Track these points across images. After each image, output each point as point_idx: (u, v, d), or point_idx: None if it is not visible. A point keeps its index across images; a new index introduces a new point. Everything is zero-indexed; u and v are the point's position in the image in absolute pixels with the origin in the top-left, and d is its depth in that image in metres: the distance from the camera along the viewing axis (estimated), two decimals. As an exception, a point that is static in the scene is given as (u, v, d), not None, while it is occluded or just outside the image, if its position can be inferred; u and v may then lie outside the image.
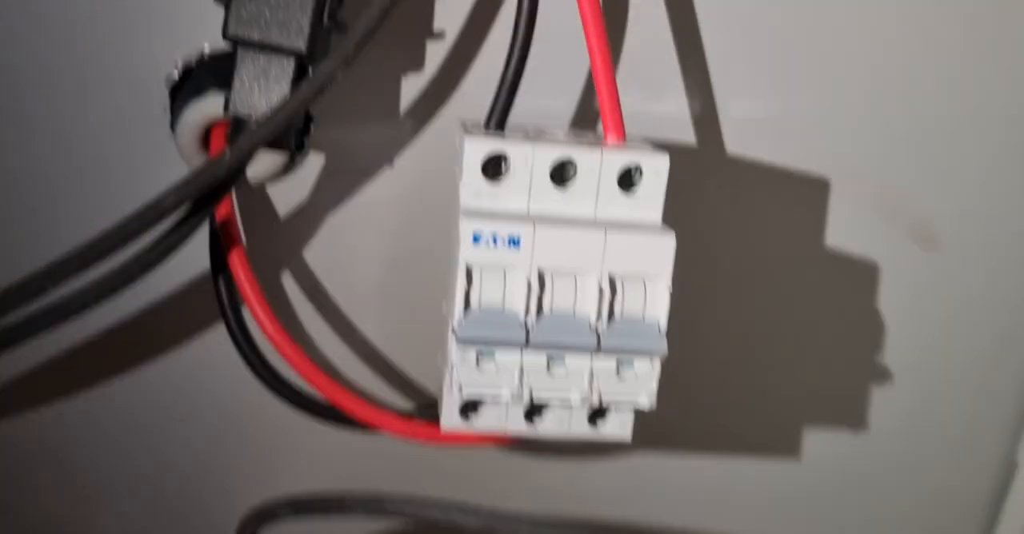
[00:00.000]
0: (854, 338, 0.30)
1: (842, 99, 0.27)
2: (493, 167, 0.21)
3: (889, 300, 0.29)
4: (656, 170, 0.21)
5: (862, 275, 0.29)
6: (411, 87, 0.26)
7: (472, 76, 0.26)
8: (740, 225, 0.28)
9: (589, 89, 0.26)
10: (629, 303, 0.21)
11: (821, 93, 0.27)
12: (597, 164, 0.21)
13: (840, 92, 0.27)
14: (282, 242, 0.27)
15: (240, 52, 0.22)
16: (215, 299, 0.24)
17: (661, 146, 0.21)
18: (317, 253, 0.27)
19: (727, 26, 0.26)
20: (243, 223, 0.26)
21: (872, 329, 0.29)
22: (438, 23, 0.25)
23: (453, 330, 0.21)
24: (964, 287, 0.29)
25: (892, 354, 0.30)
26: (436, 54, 0.25)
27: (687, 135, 0.27)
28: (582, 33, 0.21)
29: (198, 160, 0.24)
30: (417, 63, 0.25)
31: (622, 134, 0.22)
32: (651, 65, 0.26)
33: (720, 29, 0.26)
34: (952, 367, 0.30)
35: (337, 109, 0.25)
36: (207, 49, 0.24)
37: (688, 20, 0.26)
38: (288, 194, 0.26)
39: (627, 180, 0.21)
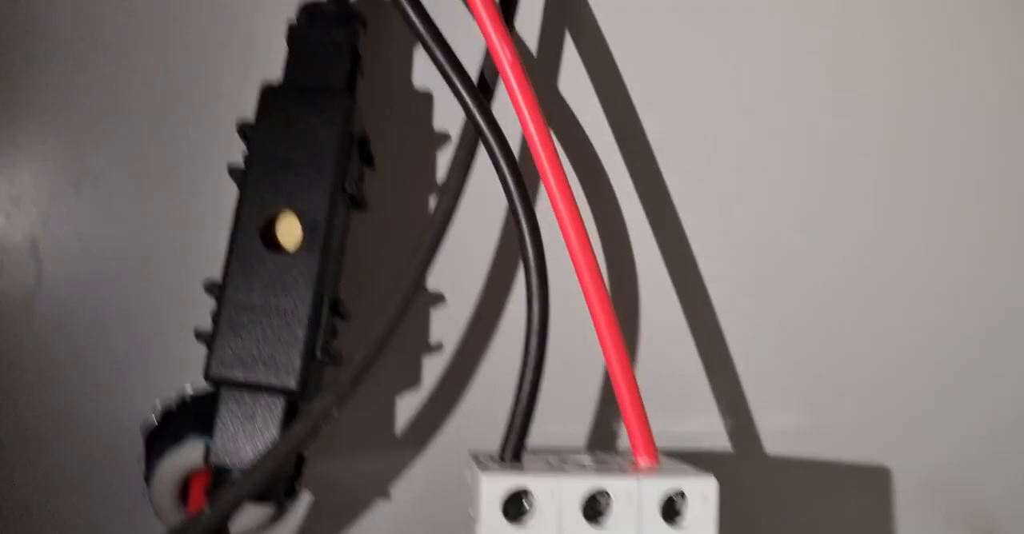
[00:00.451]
0: None
1: (884, 402, 0.25)
2: (515, 506, 0.18)
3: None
4: (703, 495, 0.18)
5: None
6: (407, 407, 0.24)
7: (474, 391, 0.24)
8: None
9: (604, 409, 0.24)
10: None
11: (860, 401, 0.25)
12: (635, 493, 0.18)
13: (881, 396, 0.25)
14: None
15: (223, 394, 0.20)
16: None
17: (696, 455, 0.19)
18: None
19: (756, 338, 0.24)
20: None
21: None
22: (434, 336, 0.24)
23: None
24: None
25: None
26: (433, 369, 0.24)
27: (721, 444, 0.24)
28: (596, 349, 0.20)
29: (175, 516, 0.21)
30: (412, 381, 0.24)
31: (654, 455, 0.20)
32: (673, 383, 0.24)
33: (748, 341, 0.24)
34: None
35: (324, 438, 0.23)
36: (189, 390, 0.22)
37: (714, 337, 0.24)
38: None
39: (670, 508, 0.19)
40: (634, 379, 0.20)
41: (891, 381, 0.25)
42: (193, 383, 0.22)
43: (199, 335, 0.20)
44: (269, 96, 0.21)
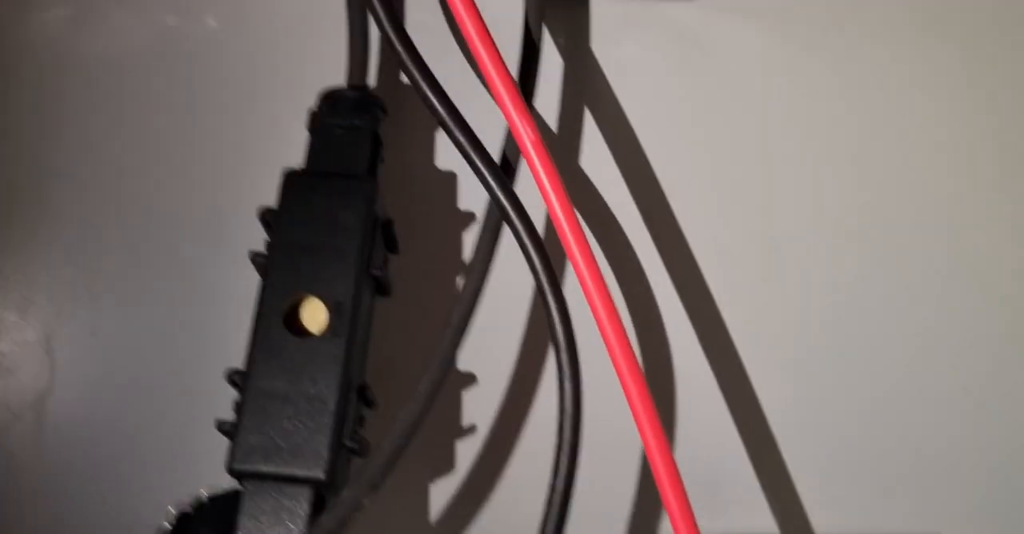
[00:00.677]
0: None
1: (948, 495, 0.23)
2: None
3: None
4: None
5: None
6: (441, 494, 0.22)
7: (511, 474, 0.23)
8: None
9: (644, 497, 0.23)
10: None
11: (922, 498, 0.23)
12: (686, 582, 0.17)
13: (944, 489, 0.23)
14: None
15: (247, 487, 0.19)
16: None
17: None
18: None
19: (803, 422, 0.23)
20: None
21: None
22: (466, 419, 0.23)
23: None
24: None
25: None
26: (467, 453, 0.23)
27: None
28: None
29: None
30: (445, 466, 0.23)
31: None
32: (715, 470, 0.23)
33: (796, 427, 0.23)
34: None
35: (354, 531, 0.22)
36: (205, 494, 0.21)
37: (758, 422, 0.23)
38: None
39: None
40: (675, 465, 0.19)
41: (957, 471, 0.23)
42: (209, 487, 0.21)
43: (221, 426, 0.19)
44: (291, 181, 0.21)
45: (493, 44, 0.20)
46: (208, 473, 0.20)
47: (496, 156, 0.21)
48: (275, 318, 0.19)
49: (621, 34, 0.25)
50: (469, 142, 0.20)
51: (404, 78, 0.24)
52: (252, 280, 0.20)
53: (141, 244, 0.23)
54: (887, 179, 0.24)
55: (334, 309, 0.19)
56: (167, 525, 0.21)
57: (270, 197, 0.21)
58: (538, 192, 0.20)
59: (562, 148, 0.24)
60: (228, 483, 0.20)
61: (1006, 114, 0.25)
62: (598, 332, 0.19)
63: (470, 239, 0.23)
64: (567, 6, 0.25)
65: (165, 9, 0.25)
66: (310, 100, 0.22)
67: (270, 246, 0.20)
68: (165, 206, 0.23)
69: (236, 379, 0.19)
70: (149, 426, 0.22)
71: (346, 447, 0.19)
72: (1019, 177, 0.24)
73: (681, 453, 0.23)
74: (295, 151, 0.22)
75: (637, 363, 0.19)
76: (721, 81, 0.24)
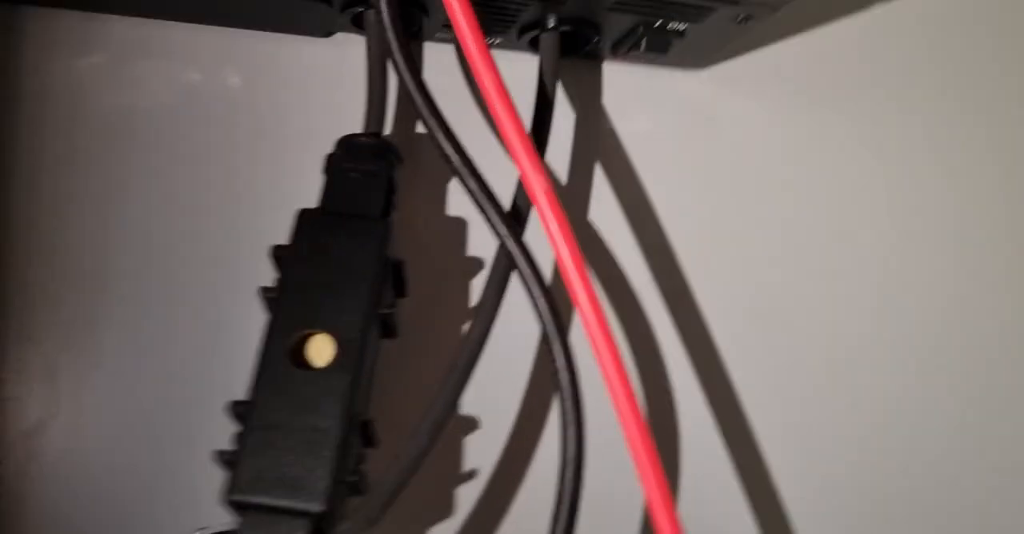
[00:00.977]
0: None
1: None
2: None
3: None
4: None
5: None
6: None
7: (507, 523, 0.22)
8: None
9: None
10: None
11: None
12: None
13: None
14: None
15: (246, 520, 0.18)
16: None
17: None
18: None
19: (805, 477, 0.23)
20: None
21: None
22: (468, 462, 0.23)
23: None
24: None
25: None
26: (467, 496, 0.22)
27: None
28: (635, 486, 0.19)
29: None
30: (445, 509, 0.22)
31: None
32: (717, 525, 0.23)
33: (797, 482, 0.23)
34: None
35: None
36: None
37: (760, 477, 0.23)
38: None
39: None
40: (676, 517, 0.19)
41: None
42: (205, 526, 0.21)
43: (221, 456, 0.19)
44: (305, 219, 0.21)
45: (508, 96, 0.21)
46: (209, 508, 0.19)
47: (507, 205, 0.21)
48: (281, 351, 0.19)
49: (631, 100, 0.25)
50: (481, 190, 0.21)
51: (420, 127, 0.25)
52: (258, 315, 0.21)
53: (147, 278, 0.23)
54: (892, 243, 0.25)
55: (342, 344, 0.19)
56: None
57: (280, 237, 0.21)
58: (546, 241, 0.20)
59: (571, 201, 0.24)
60: (228, 517, 0.19)
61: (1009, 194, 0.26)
62: (603, 380, 0.19)
63: (478, 285, 0.24)
64: (580, 70, 0.26)
65: (190, 65, 0.26)
66: (327, 149, 0.23)
67: (281, 280, 0.20)
68: (172, 242, 0.24)
69: (238, 410, 0.19)
70: (150, 459, 0.22)
71: (346, 482, 0.19)
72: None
73: (683, 504, 0.23)
74: (309, 197, 0.22)
75: (640, 412, 0.19)
76: (725, 144, 0.25)
